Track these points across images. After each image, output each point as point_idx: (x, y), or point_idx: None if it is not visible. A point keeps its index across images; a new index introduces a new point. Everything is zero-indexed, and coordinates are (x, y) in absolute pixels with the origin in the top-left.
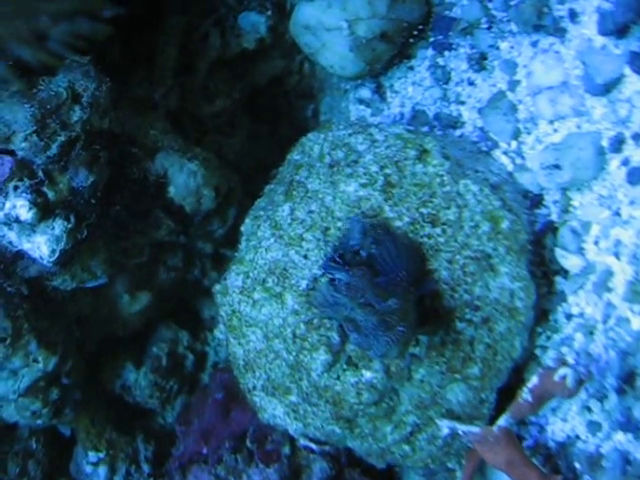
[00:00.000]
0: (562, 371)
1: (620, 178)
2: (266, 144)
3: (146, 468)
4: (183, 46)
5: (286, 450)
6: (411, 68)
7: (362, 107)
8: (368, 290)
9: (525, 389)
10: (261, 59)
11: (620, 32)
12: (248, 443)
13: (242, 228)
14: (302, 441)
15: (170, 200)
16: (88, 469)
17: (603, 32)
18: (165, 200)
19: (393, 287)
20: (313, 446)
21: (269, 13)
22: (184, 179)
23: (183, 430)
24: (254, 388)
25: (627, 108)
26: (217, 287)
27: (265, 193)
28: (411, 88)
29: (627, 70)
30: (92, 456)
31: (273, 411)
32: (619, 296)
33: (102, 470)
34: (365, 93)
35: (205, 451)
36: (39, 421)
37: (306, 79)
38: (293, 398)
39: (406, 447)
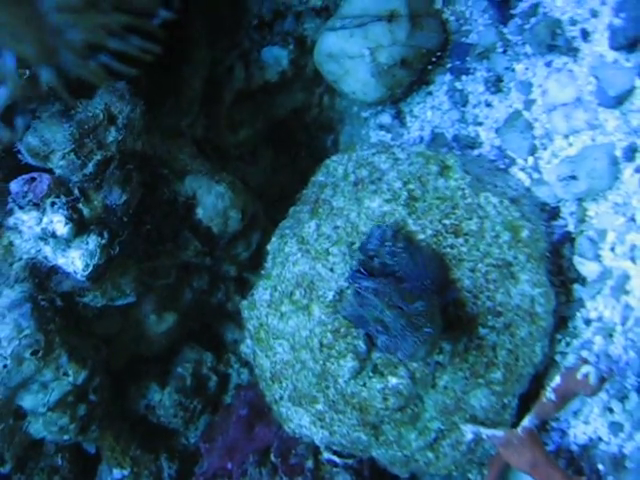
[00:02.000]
0: (584, 369)
1: (634, 185)
2: (287, 174)
3: None
4: (209, 78)
5: (309, 464)
6: (430, 93)
7: (382, 132)
8: (395, 294)
9: (548, 389)
10: (283, 91)
11: (631, 46)
12: (272, 457)
13: (268, 247)
14: (326, 455)
15: (198, 221)
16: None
17: (614, 47)
18: (193, 221)
19: (419, 292)
20: (337, 459)
21: (291, 47)
22: (212, 201)
23: (207, 447)
24: (281, 399)
25: (639, 118)
26: (244, 302)
27: (290, 214)
28: (430, 112)
29: (638, 82)
30: (117, 473)
31: (299, 421)
32: (636, 298)
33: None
34: (385, 119)
35: (229, 466)
36: (66, 436)
37: (326, 111)
38: (320, 407)
39: (430, 454)
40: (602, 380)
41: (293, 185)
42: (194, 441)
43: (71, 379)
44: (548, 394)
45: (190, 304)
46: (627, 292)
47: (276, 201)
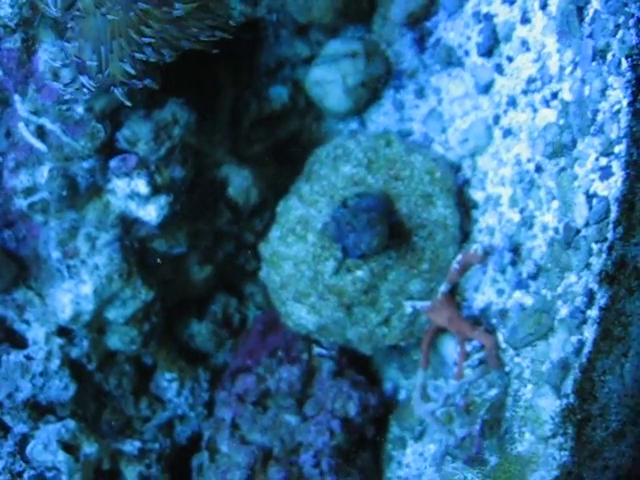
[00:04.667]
0: (474, 247)
1: (500, 139)
2: (286, 176)
3: (205, 385)
4: (233, 108)
5: (305, 356)
6: (381, 104)
7: None
8: (360, 213)
9: (454, 262)
10: (284, 119)
11: (489, 53)
12: (279, 353)
13: (277, 209)
14: (316, 349)
15: (229, 197)
16: (164, 384)
17: (480, 54)
18: (226, 196)
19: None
20: (324, 351)
21: (289, 86)
22: (239, 181)
23: (233, 355)
24: (287, 299)
25: (499, 97)
26: (261, 243)
27: (290, 190)
28: (382, 117)
29: (495, 75)
30: (168, 375)
31: (299, 313)
32: (506, 206)
33: (174, 384)
34: (354, 125)
35: (249, 362)
36: (133, 347)
37: (314, 133)
38: (312, 299)
39: (385, 328)
40: (486, 253)
41: (291, 183)
42: (222, 362)
43: (143, 297)
44: (454, 265)
45: (222, 261)
46: (500, 205)
47: (279, 193)
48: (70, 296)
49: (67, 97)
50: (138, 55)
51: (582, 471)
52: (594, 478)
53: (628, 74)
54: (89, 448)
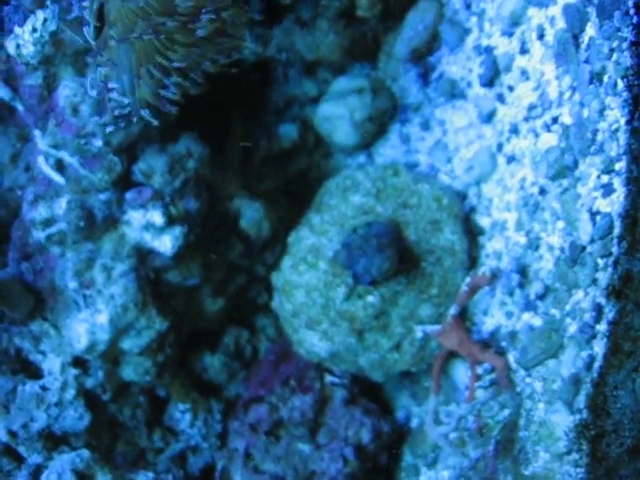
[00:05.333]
0: (482, 269)
1: (504, 165)
2: (296, 214)
3: (218, 416)
4: (243, 150)
5: (317, 385)
6: (388, 138)
7: None
8: (370, 238)
9: (463, 285)
10: (294, 156)
11: (490, 84)
12: (291, 382)
13: (289, 239)
14: (328, 378)
15: (241, 229)
16: (178, 415)
17: (482, 85)
18: (238, 229)
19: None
20: (336, 380)
21: (298, 125)
22: (251, 213)
23: (245, 386)
24: (299, 327)
25: (501, 125)
26: (273, 273)
27: (301, 221)
28: (389, 150)
29: (497, 104)
30: (181, 406)
31: (311, 340)
32: (512, 230)
33: (188, 415)
34: (361, 159)
35: (262, 392)
36: (147, 378)
37: (323, 170)
38: (324, 326)
39: (396, 354)
40: (494, 275)
41: (300, 218)
42: (234, 393)
43: (157, 327)
44: (463, 287)
45: (234, 294)
46: (507, 229)
47: (289, 228)
48: (86, 326)
49: (86, 131)
50: (168, 80)
51: None
52: None
53: (624, 94)
54: (103, 478)
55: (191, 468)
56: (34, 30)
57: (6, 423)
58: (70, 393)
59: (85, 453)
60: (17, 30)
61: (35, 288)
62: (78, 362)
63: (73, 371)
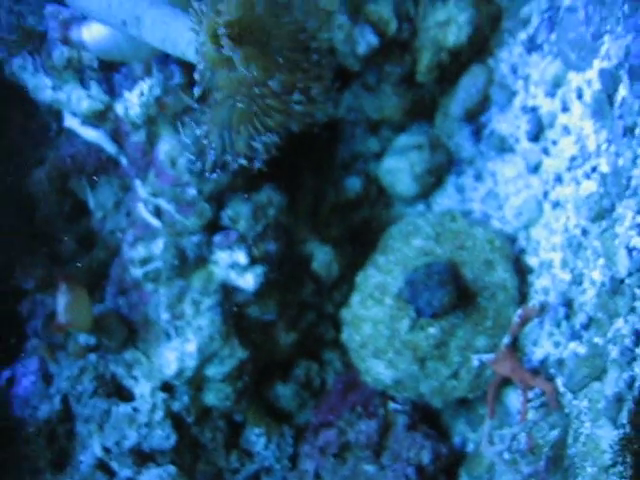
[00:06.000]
0: (531, 302)
1: (549, 211)
2: (360, 258)
3: (290, 440)
4: (314, 200)
5: (381, 411)
6: (444, 188)
7: None
8: (432, 274)
9: (515, 316)
10: (358, 206)
11: (535, 138)
12: (358, 408)
13: (356, 279)
14: (392, 405)
15: (313, 270)
16: (253, 438)
17: (529, 139)
18: (310, 270)
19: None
20: (398, 407)
21: (362, 178)
22: (322, 256)
23: (315, 412)
24: (366, 356)
25: (547, 175)
26: (343, 309)
27: (367, 263)
28: (446, 199)
29: (543, 157)
30: (256, 430)
31: (378, 368)
32: (558, 268)
33: (262, 439)
34: (420, 208)
35: (331, 418)
36: (228, 403)
37: (384, 219)
38: (390, 355)
39: (454, 381)
40: (542, 308)
41: (364, 262)
42: (304, 420)
43: (239, 355)
44: (515, 319)
45: (305, 329)
46: (553, 267)
47: (354, 270)
48: (176, 354)
49: (182, 181)
50: (262, 139)
51: None
52: None
53: None
54: None
55: None
56: (141, 94)
57: (101, 440)
58: (159, 415)
59: (171, 469)
60: (126, 94)
61: (129, 320)
62: (166, 387)
63: (162, 395)
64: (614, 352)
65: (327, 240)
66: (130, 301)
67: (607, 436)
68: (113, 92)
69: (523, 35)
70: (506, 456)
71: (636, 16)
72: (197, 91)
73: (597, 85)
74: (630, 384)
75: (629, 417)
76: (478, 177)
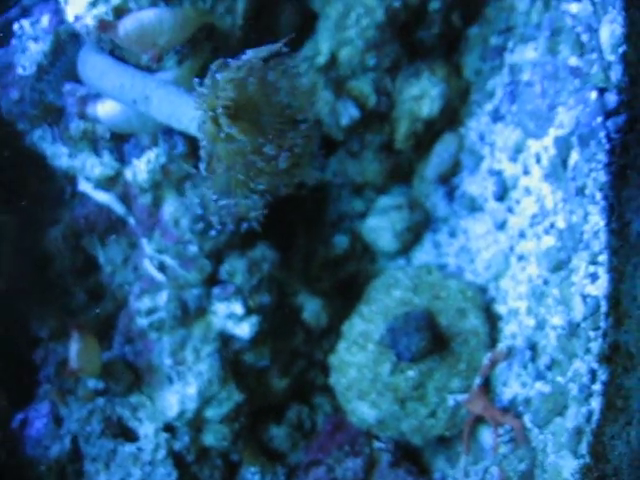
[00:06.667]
0: (500, 346)
1: (515, 263)
2: (347, 310)
3: (282, 478)
4: (305, 252)
5: (367, 449)
6: (422, 244)
7: None
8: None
9: (485, 359)
10: (345, 261)
11: (501, 198)
12: (345, 447)
13: (343, 328)
14: (376, 444)
15: (303, 319)
16: (249, 476)
17: (495, 199)
18: (300, 320)
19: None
20: (382, 445)
21: (349, 235)
22: (312, 306)
23: (305, 452)
24: (352, 398)
25: (512, 231)
26: (330, 355)
27: (352, 313)
28: (424, 255)
29: (507, 215)
30: (252, 469)
31: (362, 409)
32: (523, 314)
33: (257, 477)
34: (401, 262)
35: (320, 456)
36: (225, 443)
37: (369, 273)
38: (373, 396)
39: (432, 420)
40: (509, 351)
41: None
42: (296, 460)
43: (236, 398)
44: (485, 361)
45: (296, 375)
46: (520, 314)
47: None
48: (178, 396)
49: (184, 239)
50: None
51: None
52: None
53: (602, 203)
54: None
55: None
56: (148, 162)
57: (107, 478)
58: (161, 453)
59: None
60: (135, 162)
61: (135, 366)
62: (168, 428)
63: (164, 435)
64: (574, 389)
65: (318, 292)
66: (136, 349)
67: (569, 466)
68: (123, 160)
69: (489, 106)
70: None
71: (584, 89)
72: (203, 163)
73: (553, 151)
74: (588, 418)
75: (588, 448)
76: (452, 234)
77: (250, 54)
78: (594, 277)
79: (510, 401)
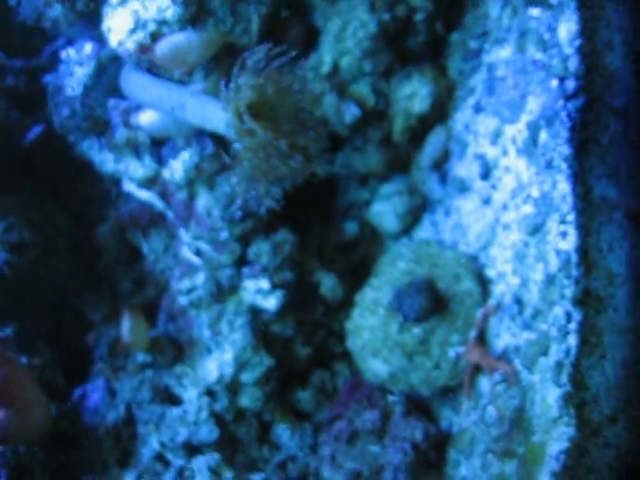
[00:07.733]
0: (491, 302)
1: (501, 233)
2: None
3: (309, 433)
4: (320, 241)
5: (382, 403)
6: (421, 224)
7: None
8: (413, 285)
9: (478, 313)
10: (355, 246)
11: (485, 178)
12: (363, 402)
13: (355, 298)
14: (390, 397)
15: (322, 294)
16: (280, 433)
17: (481, 179)
18: (319, 294)
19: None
20: (396, 399)
21: (358, 222)
22: (328, 282)
23: (330, 408)
24: (367, 356)
25: (496, 205)
26: (346, 322)
27: (363, 285)
28: (423, 232)
29: (492, 191)
30: (282, 426)
31: (376, 365)
32: (510, 275)
33: (287, 433)
34: (404, 241)
35: (342, 410)
36: (258, 403)
37: (377, 255)
38: (385, 353)
39: (437, 371)
40: (498, 306)
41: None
42: (320, 419)
43: (267, 363)
44: (478, 315)
45: (318, 344)
46: (507, 275)
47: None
48: (216, 363)
49: (216, 227)
50: (273, 189)
51: (588, 445)
52: (598, 452)
53: (567, 171)
54: (228, 474)
55: (290, 472)
56: (184, 162)
57: (158, 437)
58: (204, 414)
59: (216, 455)
60: (172, 163)
61: (177, 341)
62: (209, 392)
63: (206, 399)
64: (554, 331)
65: (333, 272)
66: (178, 325)
67: (553, 394)
68: (161, 161)
69: (471, 100)
70: (479, 423)
71: (548, 79)
72: (230, 154)
73: (525, 133)
74: (567, 352)
75: (568, 377)
76: (447, 213)
77: (249, 54)
78: (564, 234)
79: (503, 350)
